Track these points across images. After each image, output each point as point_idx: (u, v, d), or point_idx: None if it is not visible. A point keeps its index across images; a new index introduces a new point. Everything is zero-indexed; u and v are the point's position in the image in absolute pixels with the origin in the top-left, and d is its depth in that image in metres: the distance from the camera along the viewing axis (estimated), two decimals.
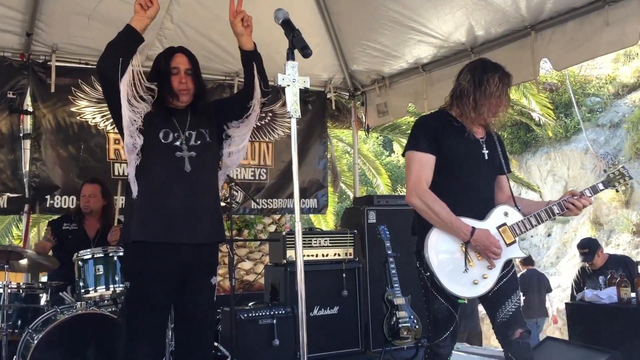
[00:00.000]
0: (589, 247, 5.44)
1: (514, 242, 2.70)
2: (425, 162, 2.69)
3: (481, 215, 2.70)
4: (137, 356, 2.58)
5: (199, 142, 2.74)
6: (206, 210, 2.72)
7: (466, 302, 2.76)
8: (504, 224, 2.71)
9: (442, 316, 2.72)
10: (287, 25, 2.20)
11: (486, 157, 2.77)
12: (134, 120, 2.61)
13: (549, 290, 8.30)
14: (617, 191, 2.96)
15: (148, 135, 2.67)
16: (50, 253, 4.37)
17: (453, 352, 2.83)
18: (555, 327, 10.93)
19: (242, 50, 2.82)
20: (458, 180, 2.72)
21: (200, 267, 2.72)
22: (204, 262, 2.74)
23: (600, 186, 2.85)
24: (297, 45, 2.13)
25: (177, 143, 2.69)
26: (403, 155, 2.82)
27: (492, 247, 2.61)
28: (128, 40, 2.59)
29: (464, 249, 2.63)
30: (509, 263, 2.73)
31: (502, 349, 2.76)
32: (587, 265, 5.50)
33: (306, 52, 2.11)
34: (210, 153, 2.80)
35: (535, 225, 2.76)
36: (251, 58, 2.81)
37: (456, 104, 2.75)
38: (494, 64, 2.77)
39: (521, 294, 2.79)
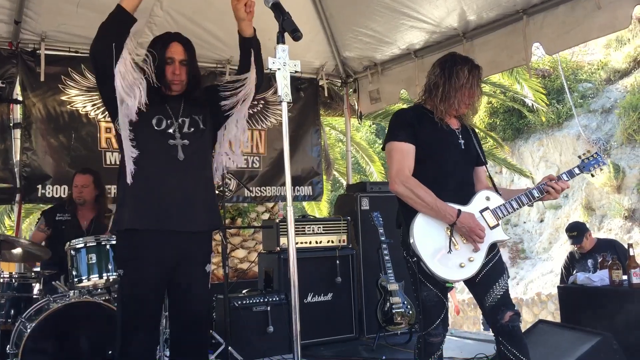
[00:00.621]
0: (577, 230, 5.48)
1: (497, 225, 2.74)
2: (406, 151, 2.74)
3: (463, 201, 2.73)
4: (132, 343, 2.58)
5: (192, 129, 2.72)
6: (200, 198, 2.71)
7: (454, 286, 2.78)
8: (487, 208, 2.75)
9: (431, 304, 2.74)
10: (277, 9, 2.19)
11: (462, 147, 2.83)
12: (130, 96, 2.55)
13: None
14: (592, 176, 3.04)
15: (141, 121, 2.64)
16: (43, 243, 4.36)
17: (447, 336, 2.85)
18: (548, 312, 11.04)
19: (241, 36, 2.80)
20: (438, 168, 2.76)
21: (194, 254, 2.71)
22: (198, 250, 2.73)
23: (576, 170, 2.94)
24: (287, 28, 2.12)
25: (170, 130, 2.67)
26: (383, 149, 2.86)
27: (476, 230, 2.63)
28: (119, 22, 2.54)
29: (449, 232, 2.65)
30: (494, 247, 2.75)
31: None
32: (576, 249, 5.54)
33: (296, 34, 2.09)
34: (204, 140, 2.78)
35: (517, 209, 2.79)
36: (250, 44, 2.80)
37: (428, 97, 2.83)
38: (463, 57, 2.84)
39: (508, 277, 2.80)
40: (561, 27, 4.36)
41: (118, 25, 2.54)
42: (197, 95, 2.80)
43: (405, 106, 9.06)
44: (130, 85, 2.54)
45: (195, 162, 2.70)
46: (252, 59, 2.78)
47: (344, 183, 11.14)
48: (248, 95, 2.81)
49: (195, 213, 2.68)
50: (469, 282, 2.76)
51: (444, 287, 2.74)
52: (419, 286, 2.72)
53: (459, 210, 2.64)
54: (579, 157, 3.01)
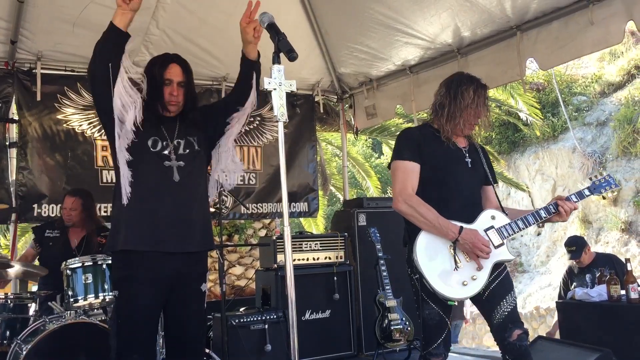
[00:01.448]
0: (576, 245, 5.47)
1: (502, 244, 2.72)
2: (410, 170, 2.75)
3: (468, 220, 2.72)
4: None
5: (187, 150, 2.72)
6: (195, 219, 2.70)
7: (456, 304, 2.76)
8: (492, 227, 2.74)
9: (433, 323, 2.72)
10: (272, 29, 2.20)
11: (469, 165, 2.83)
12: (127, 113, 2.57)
13: None
14: (603, 198, 3.02)
15: (137, 142, 2.64)
16: (37, 262, 4.33)
17: None
18: (547, 325, 10.99)
19: (245, 57, 2.81)
20: (443, 187, 2.75)
21: (189, 275, 2.70)
22: (194, 270, 2.72)
23: (587, 192, 2.93)
24: (283, 48, 2.12)
25: (166, 152, 2.67)
26: (389, 167, 2.88)
27: (479, 245, 2.62)
28: (113, 39, 2.54)
29: (452, 250, 2.63)
30: (499, 265, 2.73)
31: (498, 350, 2.76)
32: (575, 263, 5.53)
33: (292, 55, 2.10)
34: (199, 161, 2.78)
35: (523, 229, 2.78)
36: (253, 67, 2.81)
37: (435, 117, 2.85)
38: (469, 77, 2.85)
39: (516, 295, 2.78)
40: (555, 43, 4.39)
41: (113, 43, 2.54)
42: (192, 116, 2.80)
43: (400, 121, 9.16)
44: (127, 105, 2.54)
45: (190, 183, 2.69)
46: (254, 81, 2.80)
47: (341, 198, 11.16)
48: (247, 112, 2.86)
49: (190, 234, 2.67)
50: (476, 299, 2.74)
51: (446, 306, 2.71)
52: (421, 304, 2.71)
53: (461, 227, 2.64)
54: (590, 178, 2.99)
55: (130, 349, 2.57)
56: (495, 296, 2.69)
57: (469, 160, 2.83)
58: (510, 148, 15.73)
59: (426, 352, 2.74)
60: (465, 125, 2.78)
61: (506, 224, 2.76)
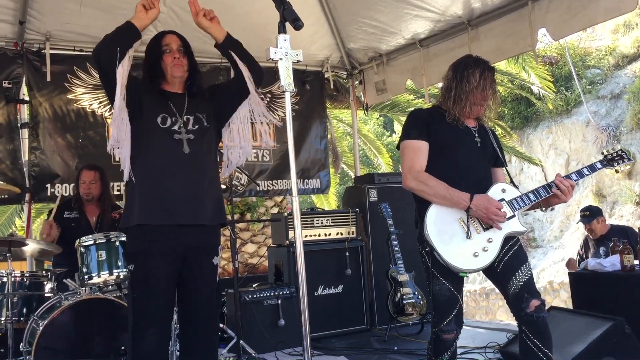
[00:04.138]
0: (590, 211, 5.46)
1: (513, 216, 2.70)
2: (418, 149, 2.75)
3: (477, 193, 2.69)
4: (144, 338, 2.58)
5: (196, 126, 2.73)
6: (206, 192, 2.71)
7: (467, 276, 2.74)
8: (502, 199, 2.72)
9: (444, 299, 2.70)
10: None
11: (479, 145, 2.82)
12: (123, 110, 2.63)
13: None
14: (616, 172, 2.98)
15: (146, 120, 2.67)
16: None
17: None
18: (560, 300, 10.99)
19: (216, 45, 2.80)
20: (452, 165, 2.74)
21: (202, 248, 2.72)
22: (206, 244, 2.74)
23: (598, 165, 2.88)
24: (288, 17, 2.10)
25: (175, 127, 2.68)
26: (397, 148, 2.88)
27: (493, 209, 2.60)
28: (127, 35, 2.61)
29: (462, 222, 2.62)
30: (512, 238, 2.71)
31: (511, 323, 2.74)
32: (588, 234, 5.50)
33: (297, 24, 2.08)
34: (208, 137, 2.78)
35: (534, 201, 2.74)
36: (228, 47, 2.79)
37: (443, 99, 2.85)
38: (475, 60, 2.83)
39: (531, 266, 2.75)
40: (567, 12, 4.32)
41: (126, 38, 2.61)
42: (200, 92, 2.81)
43: (411, 97, 9.09)
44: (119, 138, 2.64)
45: (201, 156, 2.71)
46: (237, 59, 2.77)
47: (352, 176, 11.13)
48: (251, 99, 2.86)
49: (203, 206, 2.69)
50: (490, 272, 2.72)
51: (457, 280, 2.70)
52: (432, 280, 2.70)
53: (472, 194, 2.62)
54: (602, 153, 2.95)
55: (147, 322, 2.60)
56: (510, 268, 2.66)
57: (478, 140, 2.82)
58: (523, 123, 15.59)
59: (437, 328, 2.72)
60: (472, 108, 2.77)
61: (517, 197, 2.74)
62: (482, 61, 2.81)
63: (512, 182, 2.85)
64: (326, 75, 6.38)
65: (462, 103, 2.74)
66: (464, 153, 2.77)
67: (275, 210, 8.51)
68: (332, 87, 6.48)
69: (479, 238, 2.64)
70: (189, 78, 2.80)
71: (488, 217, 2.61)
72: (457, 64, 2.85)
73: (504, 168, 2.94)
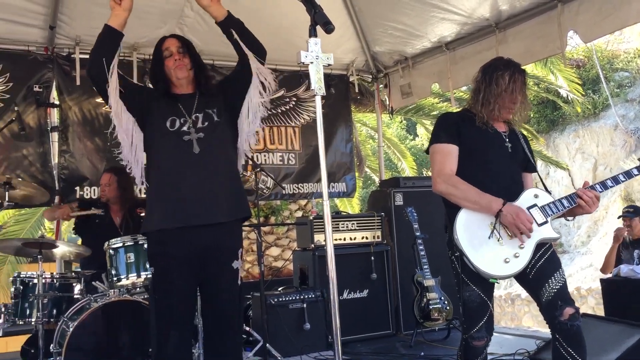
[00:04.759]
0: (634, 208, 5.40)
1: (545, 222, 2.64)
2: (448, 152, 2.71)
3: (509, 199, 2.65)
4: (168, 340, 2.60)
5: (206, 123, 2.72)
6: (221, 189, 2.69)
7: (498, 282, 2.69)
8: (534, 205, 2.67)
9: (474, 305, 2.66)
10: (308, 2, 2.17)
11: (509, 150, 2.77)
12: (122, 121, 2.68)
13: None
14: None
15: (156, 125, 2.69)
16: (80, 242, 4.43)
17: None
18: (588, 306, 10.80)
19: (217, 22, 2.77)
20: (482, 170, 2.70)
21: (221, 249, 2.70)
22: (225, 245, 2.71)
23: (635, 171, 2.78)
24: (319, 21, 2.09)
25: (185, 128, 2.68)
26: (427, 152, 2.85)
27: (522, 218, 2.55)
28: (107, 41, 2.65)
29: (492, 227, 2.58)
30: (543, 244, 2.66)
31: (538, 330, 2.69)
32: (627, 231, 5.41)
33: (328, 27, 2.07)
34: (220, 132, 2.75)
35: (568, 207, 2.68)
36: (229, 26, 2.75)
37: (472, 102, 2.82)
38: (506, 62, 2.79)
39: (564, 273, 2.68)
40: (597, 14, 4.25)
41: (108, 42, 2.65)
42: (209, 89, 2.81)
43: (436, 100, 9.04)
44: (118, 114, 2.66)
45: (212, 153, 2.69)
46: (237, 38, 2.73)
47: (376, 180, 11.08)
48: (259, 71, 2.77)
49: (217, 204, 2.66)
50: (522, 278, 2.67)
51: (487, 287, 2.65)
52: (462, 286, 2.65)
53: (505, 201, 2.58)
54: (639, 159, 2.87)
55: (168, 324, 2.61)
56: (543, 274, 2.61)
57: (509, 145, 2.77)
58: (549, 127, 15.38)
59: (468, 335, 2.68)
60: (501, 111, 2.72)
61: (550, 202, 2.68)
62: (512, 64, 2.77)
63: (544, 187, 2.80)
64: (351, 79, 6.37)
65: (491, 106, 2.70)
66: (494, 157, 2.73)
67: (299, 213, 8.51)
68: (356, 90, 6.47)
69: (510, 244, 2.59)
70: (196, 77, 2.79)
71: (515, 224, 2.55)
72: (486, 66, 2.81)
73: (535, 173, 2.89)
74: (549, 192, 2.76)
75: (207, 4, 2.71)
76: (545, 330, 2.79)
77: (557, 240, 2.78)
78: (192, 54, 2.80)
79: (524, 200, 2.67)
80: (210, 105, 2.76)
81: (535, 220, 2.62)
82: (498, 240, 2.58)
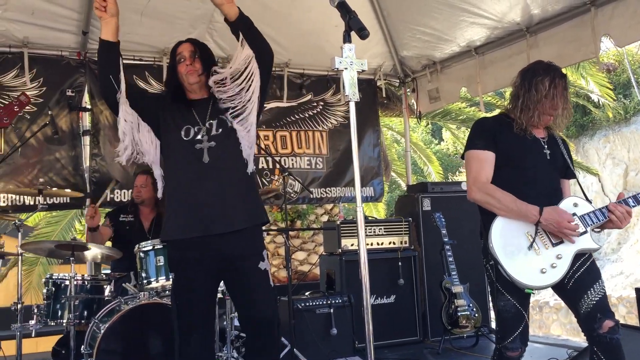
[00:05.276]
0: None
1: (585, 232, 2.58)
2: (484, 159, 2.67)
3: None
4: (189, 344, 2.63)
5: (220, 130, 2.71)
6: (234, 196, 2.68)
7: (534, 292, 2.64)
8: (574, 214, 2.60)
9: (508, 315, 2.61)
10: (343, 8, 2.16)
11: (548, 157, 2.71)
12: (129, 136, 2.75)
13: None
14: None
15: (171, 135, 2.71)
16: (109, 244, 4.49)
17: None
18: (619, 315, 10.59)
19: (228, 22, 2.72)
20: (521, 176, 2.65)
21: (244, 255, 2.69)
22: (245, 249, 2.70)
23: None
24: (354, 26, 2.08)
25: (199, 137, 2.69)
26: (462, 157, 2.82)
27: (565, 223, 2.49)
28: (105, 55, 2.67)
29: (530, 236, 2.53)
30: (582, 254, 2.60)
31: (568, 338, 2.64)
32: None
33: (363, 33, 2.06)
34: (234, 138, 2.74)
35: (602, 221, 2.61)
36: (239, 27, 2.70)
37: (510, 107, 2.76)
38: (546, 67, 2.71)
39: (604, 284, 2.62)
40: (632, 17, 4.17)
41: (107, 57, 2.66)
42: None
43: (464, 105, 8.96)
44: (127, 132, 2.74)
45: (223, 161, 2.68)
46: (242, 37, 2.69)
47: (401, 184, 11.02)
48: (254, 75, 2.71)
49: (233, 212, 2.66)
50: (560, 289, 2.61)
51: (523, 297, 2.60)
52: (496, 295, 2.61)
53: (541, 207, 2.52)
54: None
55: (190, 328, 2.64)
56: (581, 285, 2.55)
57: (548, 151, 2.71)
58: (579, 131, 15.15)
59: (502, 345, 2.62)
60: (541, 118, 2.66)
61: (590, 212, 2.62)
62: (553, 68, 2.70)
63: (584, 196, 2.74)
64: (378, 84, 6.36)
65: (530, 113, 2.65)
66: (532, 164, 2.67)
67: (325, 218, 8.51)
68: (384, 95, 6.45)
69: (547, 254, 2.54)
70: (208, 81, 2.77)
71: (560, 230, 2.50)
72: (526, 70, 2.75)
73: (574, 180, 2.83)
74: (589, 201, 2.69)
75: (221, 2, 2.65)
76: (575, 339, 2.74)
77: (597, 250, 2.70)
78: (205, 58, 2.77)
79: (563, 208, 2.61)
80: (224, 111, 2.75)
81: None
82: (535, 250, 2.53)
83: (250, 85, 2.73)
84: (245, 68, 2.71)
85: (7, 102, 4.58)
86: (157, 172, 2.82)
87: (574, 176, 2.82)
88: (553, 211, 2.53)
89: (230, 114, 2.74)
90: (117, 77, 2.62)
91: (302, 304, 4.53)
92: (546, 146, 2.73)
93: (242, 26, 2.69)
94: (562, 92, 2.64)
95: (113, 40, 2.63)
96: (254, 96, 2.75)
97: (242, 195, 2.72)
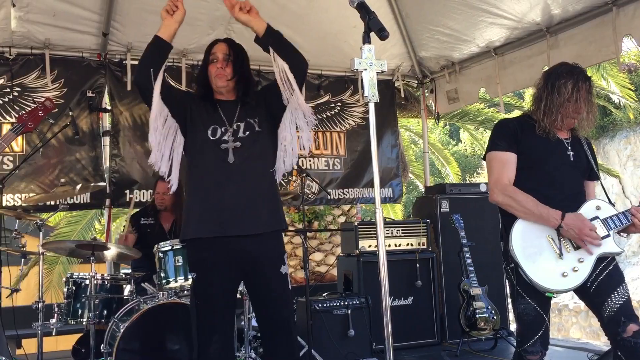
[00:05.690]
0: None
1: (607, 235, 2.55)
2: (506, 161, 2.64)
3: (570, 210, 2.57)
4: (209, 345, 2.63)
5: (247, 132, 2.70)
6: (260, 200, 2.68)
7: (554, 296, 2.61)
8: (596, 217, 2.58)
9: (529, 319, 2.58)
10: (363, 8, 2.16)
11: (572, 159, 2.68)
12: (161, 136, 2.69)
13: None
14: None
15: (198, 133, 2.70)
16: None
17: None
18: None
19: (257, 41, 2.71)
20: (542, 179, 2.63)
21: (264, 257, 2.69)
22: (266, 252, 2.70)
23: None
24: (374, 27, 2.08)
25: (225, 137, 2.68)
26: (484, 159, 2.79)
27: (586, 230, 2.47)
28: (157, 52, 2.65)
29: (551, 240, 2.51)
30: (605, 258, 2.57)
31: (588, 342, 2.60)
32: None
33: (383, 34, 2.05)
34: (261, 142, 2.74)
35: (625, 224, 2.59)
36: (267, 42, 2.67)
37: (534, 109, 2.73)
38: (569, 69, 2.67)
39: (628, 288, 2.58)
40: None
41: (158, 53, 2.65)
42: (251, 98, 2.78)
43: (482, 105, 8.90)
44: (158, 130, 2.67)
45: (248, 164, 2.67)
46: (273, 51, 2.67)
47: (418, 185, 10.99)
48: (293, 86, 2.67)
49: (256, 215, 2.65)
50: (582, 292, 2.58)
51: (544, 300, 2.57)
52: (516, 298, 2.58)
53: (564, 212, 2.50)
54: None
55: (210, 329, 2.64)
56: (605, 289, 2.52)
57: (571, 153, 2.68)
58: (599, 133, 14.96)
59: (522, 349, 2.60)
60: (564, 121, 2.63)
61: (612, 215, 2.59)
62: (577, 71, 2.66)
63: (607, 198, 2.70)
64: (397, 84, 6.34)
65: (553, 116, 2.62)
66: (555, 166, 2.64)
67: (342, 219, 8.50)
68: (402, 95, 6.44)
69: (569, 257, 2.51)
70: (238, 84, 2.76)
71: (580, 238, 2.48)
72: (549, 73, 2.72)
73: (597, 181, 2.79)
74: (612, 204, 2.66)
75: (247, 20, 2.65)
76: (595, 343, 2.70)
77: (620, 254, 2.66)
78: (238, 61, 2.75)
79: (585, 211, 2.59)
80: (252, 115, 2.74)
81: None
82: (557, 254, 2.50)
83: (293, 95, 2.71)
84: (282, 80, 2.68)
85: (31, 106, 4.65)
86: (175, 174, 2.76)
87: (597, 178, 2.78)
88: (576, 218, 2.50)
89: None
90: (157, 73, 2.60)
91: (320, 305, 4.53)
92: (570, 147, 2.69)
93: (271, 41, 2.68)
94: (585, 96, 2.60)
95: (167, 40, 2.66)
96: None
97: (266, 198, 2.72)
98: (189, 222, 2.71)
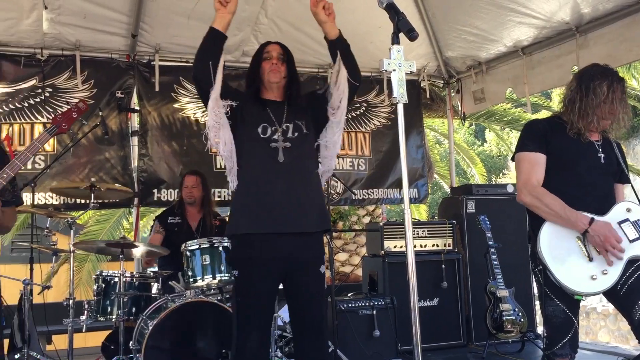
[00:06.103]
0: None
1: (638, 238, 2.52)
2: (535, 161, 2.63)
3: (600, 212, 2.55)
4: (247, 342, 2.64)
5: (296, 134, 2.75)
6: (309, 199, 2.73)
7: (584, 299, 2.58)
8: (627, 220, 2.54)
9: (557, 321, 2.56)
10: (392, 9, 2.16)
11: (602, 161, 2.65)
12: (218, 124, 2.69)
13: None
14: None
15: (248, 130, 2.73)
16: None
17: None
18: None
19: (327, 39, 2.79)
20: (573, 180, 2.60)
21: (307, 256, 2.72)
22: (311, 251, 2.74)
23: None
24: (403, 28, 2.08)
25: (275, 136, 2.72)
26: (512, 159, 2.78)
27: (612, 240, 2.44)
28: (213, 42, 2.68)
29: (580, 242, 2.48)
30: (637, 260, 2.53)
31: (617, 345, 2.57)
32: None
33: (412, 34, 2.05)
34: (308, 144, 2.80)
35: None
36: (336, 46, 2.77)
37: (565, 111, 2.71)
38: (602, 71, 2.65)
39: None
40: None
41: (213, 43, 2.68)
42: (298, 100, 2.84)
43: (508, 105, 8.80)
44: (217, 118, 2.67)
45: (297, 164, 2.72)
46: (339, 58, 2.75)
47: (444, 186, 10.92)
48: (343, 95, 2.77)
49: (304, 214, 2.69)
50: (612, 295, 2.55)
51: (572, 302, 2.54)
52: (545, 300, 2.56)
53: (592, 218, 2.47)
54: None
55: (249, 325, 2.66)
56: (635, 292, 2.49)
57: (602, 155, 2.65)
58: (629, 133, 14.70)
59: (550, 351, 2.58)
60: (600, 122, 2.61)
61: None
62: (610, 72, 2.63)
63: (638, 199, 2.66)
64: (422, 85, 6.31)
65: (589, 118, 2.58)
66: (585, 168, 2.61)
67: (367, 219, 8.49)
68: (427, 96, 6.40)
69: (598, 260, 2.48)
70: (287, 86, 2.84)
71: (604, 247, 2.44)
72: (581, 74, 2.69)
73: (628, 184, 2.75)
74: None
75: (324, 20, 2.73)
76: (625, 347, 2.65)
77: None
78: (290, 64, 2.85)
79: (615, 214, 2.56)
80: (299, 117, 2.80)
81: (627, 236, 2.51)
82: (586, 256, 2.47)
83: (340, 105, 2.80)
84: (337, 87, 2.78)
85: (62, 107, 4.76)
86: (230, 166, 2.79)
87: (628, 181, 2.74)
88: (605, 225, 2.48)
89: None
90: (216, 66, 2.64)
91: (345, 305, 4.53)
92: (601, 149, 2.67)
93: (340, 46, 2.77)
94: (620, 97, 2.58)
95: (222, 31, 2.70)
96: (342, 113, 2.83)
97: (314, 199, 2.76)
98: (240, 217, 2.74)
